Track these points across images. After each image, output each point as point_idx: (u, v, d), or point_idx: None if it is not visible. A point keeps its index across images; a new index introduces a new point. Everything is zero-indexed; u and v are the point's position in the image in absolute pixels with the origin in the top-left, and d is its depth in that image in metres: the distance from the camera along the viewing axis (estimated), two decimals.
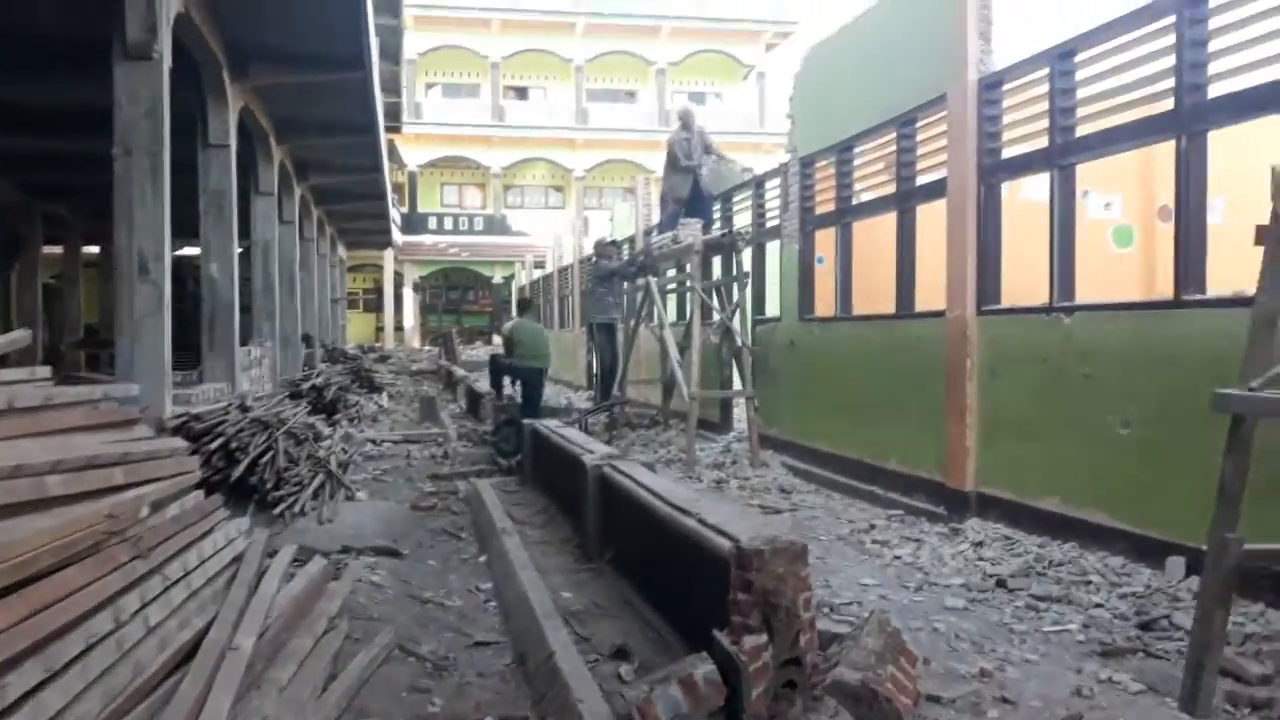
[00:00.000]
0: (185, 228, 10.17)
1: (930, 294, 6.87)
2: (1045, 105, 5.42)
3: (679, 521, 3.76)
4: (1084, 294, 5.77)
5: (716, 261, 10.62)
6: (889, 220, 7.41)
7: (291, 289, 15.55)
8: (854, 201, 7.84)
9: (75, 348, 16.31)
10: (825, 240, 8.43)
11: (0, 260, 18.31)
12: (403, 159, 38.11)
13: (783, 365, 8.89)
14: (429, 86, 41.86)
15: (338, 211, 23.30)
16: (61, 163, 13.90)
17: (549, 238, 30.27)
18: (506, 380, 11.09)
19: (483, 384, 13.45)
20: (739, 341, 8.97)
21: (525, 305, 12.15)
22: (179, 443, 3.86)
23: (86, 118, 9.21)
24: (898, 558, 5.35)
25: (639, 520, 4.46)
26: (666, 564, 4.12)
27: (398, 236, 34.35)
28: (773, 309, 9.68)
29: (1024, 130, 5.74)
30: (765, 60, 42.76)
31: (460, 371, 18.66)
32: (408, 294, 39.34)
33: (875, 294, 7.89)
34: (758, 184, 9.89)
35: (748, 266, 9.31)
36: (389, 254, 37.02)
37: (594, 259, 13.17)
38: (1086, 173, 7.27)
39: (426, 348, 34.63)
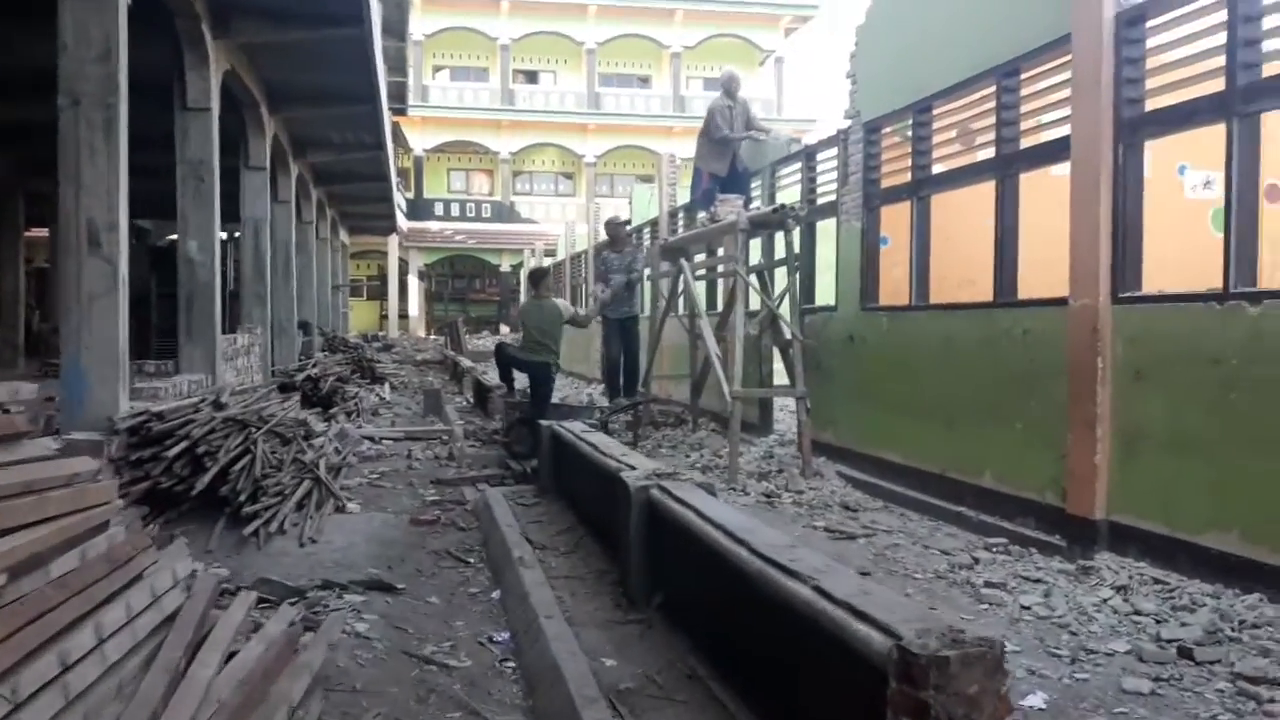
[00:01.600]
0: (168, 206, 9.10)
1: (1036, 280, 5.73)
2: (1222, 38, 4.25)
3: (783, 588, 2.64)
4: (1175, 283, 4.78)
5: (754, 246, 9.47)
6: (975, 194, 6.28)
7: (287, 273, 14.52)
8: (934, 171, 6.68)
9: (55, 333, 15.22)
10: (892, 218, 7.27)
11: None
12: (408, 143, 37.06)
13: (839, 361, 7.73)
14: (436, 69, 40.72)
15: (340, 194, 22.23)
16: (48, 135, 12.79)
17: (559, 225, 29.18)
18: (516, 373, 9.79)
19: (491, 375, 12.33)
20: (788, 333, 7.81)
21: (537, 279, 10.10)
22: (85, 463, 2.75)
23: None
24: (1026, 608, 4.20)
25: (708, 566, 3.34)
26: (754, 633, 3.00)
27: (403, 222, 33.30)
28: (824, 297, 8.52)
29: (1182, 74, 4.57)
30: (784, 45, 41.55)
31: (467, 362, 17.73)
32: (413, 282, 38.25)
33: (958, 280, 6.75)
34: (809, 155, 8.71)
35: (797, 248, 8.14)
36: (394, 240, 35.94)
37: (601, 249, 11.95)
38: (1178, 147, 6.15)
39: (432, 337, 33.74)
